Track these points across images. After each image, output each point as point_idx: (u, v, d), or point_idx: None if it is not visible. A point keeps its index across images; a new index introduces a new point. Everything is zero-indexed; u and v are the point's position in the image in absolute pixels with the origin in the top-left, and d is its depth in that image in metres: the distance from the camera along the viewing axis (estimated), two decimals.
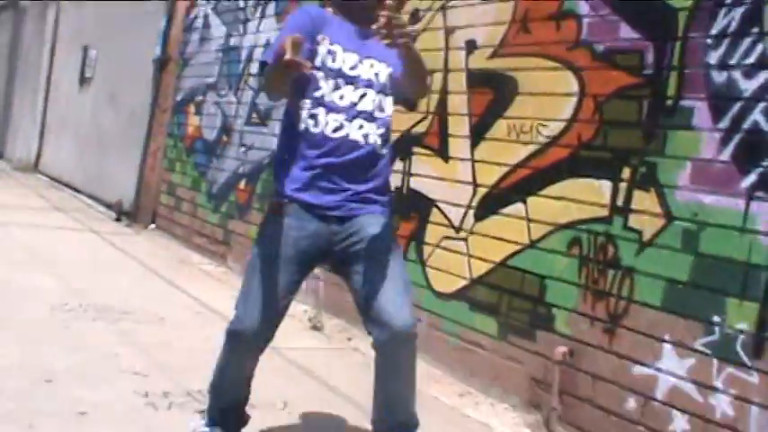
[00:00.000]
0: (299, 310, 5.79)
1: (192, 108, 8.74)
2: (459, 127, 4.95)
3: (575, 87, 4.20)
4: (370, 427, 3.25)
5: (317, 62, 2.96)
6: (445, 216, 4.99)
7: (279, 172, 3.12)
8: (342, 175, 3.01)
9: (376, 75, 3.04)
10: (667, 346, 3.62)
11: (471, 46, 4.93)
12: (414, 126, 5.29)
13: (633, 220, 3.84)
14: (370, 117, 3.03)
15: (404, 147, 5.28)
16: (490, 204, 4.65)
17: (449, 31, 5.12)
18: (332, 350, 5.20)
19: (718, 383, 3.40)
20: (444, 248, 4.97)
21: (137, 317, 5.25)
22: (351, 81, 3.01)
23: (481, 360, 4.61)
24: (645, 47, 3.87)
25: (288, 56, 2.55)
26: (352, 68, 3.02)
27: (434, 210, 5.08)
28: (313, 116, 2.99)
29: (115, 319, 5.16)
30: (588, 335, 3.99)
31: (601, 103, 4.05)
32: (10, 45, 17.27)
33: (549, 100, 4.33)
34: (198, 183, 8.34)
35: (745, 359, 3.31)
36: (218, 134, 8.02)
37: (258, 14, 7.55)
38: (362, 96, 3.02)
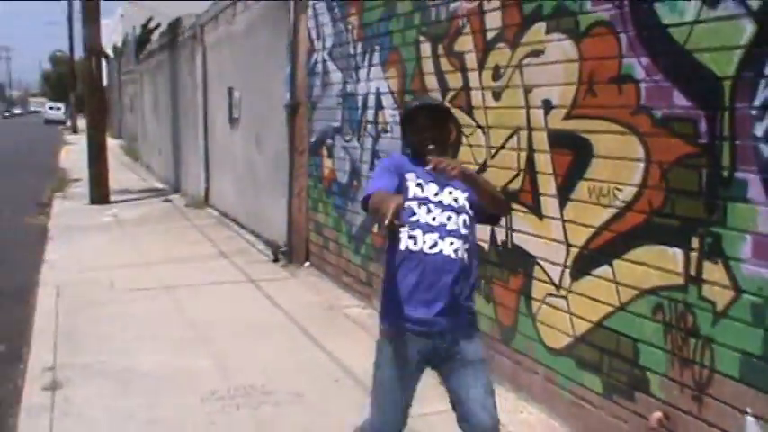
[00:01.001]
0: None
1: (324, 151, 9.12)
2: (547, 186, 5.03)
3: (641, 153, 4.22)
4: None
5: (410, 194, 3.46)
6: (546, 273, 5.10)
7: (384, 299, 3.56)
8: (439, 289, 3.40)
9: (455, 200, 3.51)
10: (750, 419, 3.64)
11: (548, 105, 4.98)
12: (509, 183, 5.40)
13: (706, 290, 3.86)
14: (458, 235, 3.44)
15: None
16: (582, 264, 4.74)
17: (527, 90, 5.19)
18: None
19: None
20: (549, 305, 5.09)
21: (277, 397, 5.63)
22: (437, 206, 3.47)
23: (590, 416, 4.73)
24: (697, 115, 3.85)
25: (389, 219, 2.94)
26: (435, 195, 3.49)
27: (536, 266, 5.20)
28: (412, 237, 3.42)
29: (258, 403, 5.56)
30: (680, 400, 4.04)
31: (665, 171, 4.07)
32: (171, 85, 18.33)
33: (620, 164, 4.37)
34: (339, 223, 8.72)
35: None
36: (349, 178, 8.35)
37: (366, 62, 7.79)
38: (449, 218, 3.46)
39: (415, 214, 3.43)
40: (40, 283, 9.48)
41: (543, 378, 5.16)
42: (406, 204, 3.34)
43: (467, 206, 3.51)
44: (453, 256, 3.39)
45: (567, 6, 4.75)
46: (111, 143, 39.26)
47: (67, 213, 15.34)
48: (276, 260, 10.20)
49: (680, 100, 3.96)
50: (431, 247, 3.40)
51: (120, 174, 23.13)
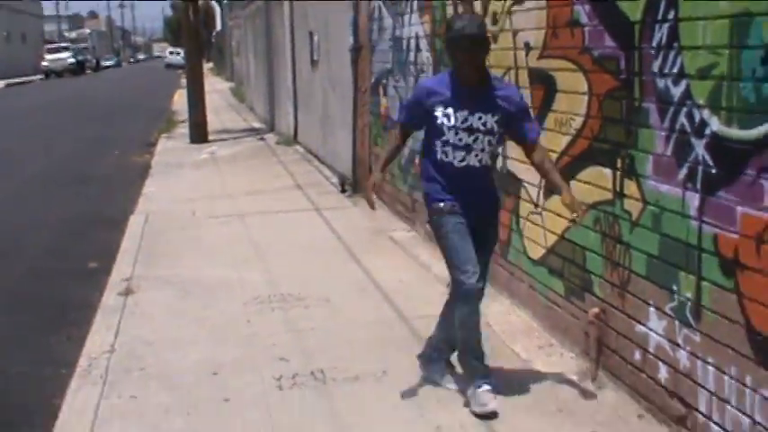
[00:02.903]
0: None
1: (381, 90, 9.97)
2: None
3: (585, 87, 4.95)
4: None
5: (438, 123, 4.45)
6: (528, 194, 5.89)
7: (429, 186, 4.63)
8: (470, 187, 4.56)
9: (483, 123, 4.44)
10: (651, 310, 4.40)
11: (528, 47, 5.72)
12: None
13: (626, 203, 4.59)
14: (482, 149, 4.50)
15: None
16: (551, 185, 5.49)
17: (515, 34, 5.93)
18: None
19: (679, 340, 4.16)
20: (530, 221, 5.88)
21: (308, 302, 6.60)
22: (465, 131, 4.45)
23: (557, 315, 5.53)
24: (619, 55, 4.56)
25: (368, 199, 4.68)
26: (464, 122, 4.43)
27: (522, 188, 5.98)
28: (445, 152, 4.49)
29: (290, 306, 6.55)
30: (611, 297, 4.81)
31: (601, 102, 4.79)
32: (266, 31, 19.39)
33: (574, 97, 5.10)
34: None
35: (692, 322, 4.05)
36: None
37: (409, 8, 8.58)
38: (475, 139, 4.47)
39: (444, 135, 4.44)
40: (135, 211, 10.69)
41: (527, 285, 5.97)
42: (439, 123, 4.46)
43: (495, 128, 4.46)
44: (478, 165, 4.49)
45: None
46: (223, 86, 41.01)
47: (169, 152, 16.66)
48: (343, 191, 11.17)
49: (609, 42, 4.65)
50: (460, 162, 4.47)
51: (225, 114, 24.50)
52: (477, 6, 6.59)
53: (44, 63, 65.00)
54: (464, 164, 4.46)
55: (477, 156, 4.47)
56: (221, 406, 4.80)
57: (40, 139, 20.13)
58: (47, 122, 24.68)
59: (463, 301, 4.46)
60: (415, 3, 8.29)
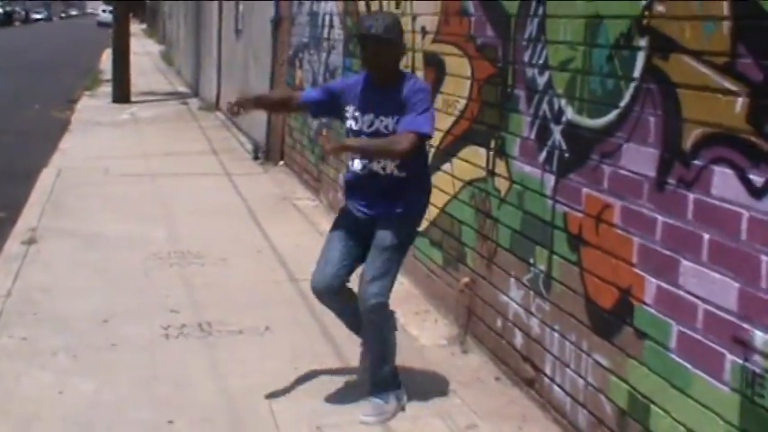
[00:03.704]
0: None
1: (297, 62, 10.24)
2: None
3: (469, 72, 5.31)
4: None
5: (348, 124, 4.28)
6: None
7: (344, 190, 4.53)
8: (369, 193, 4.30)
9: (386, 126, 4.15)
10: (512, 281, 4.79)
11: (424, 31, 6.06)
12: None
13: (497, 182, 4.97)
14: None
15: None
16: (436, 161, 5.84)
17: (414, 18, 6.26)
18: None
19: (533, 309, 4.56)
20: None
21: (205, 260, 6.88)
22: (369, 134, 4.19)
23: (435, 284, 5.91)
24: (498, 44, 4.93)
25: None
26: (369, 126, 4.19)
27: None
28: (352, 158, 4.32)
29: (188, 263, 6.82)
30: (480, 268, 5.20)
31: (481, 87, 5.16)
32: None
33: (459, 81, 5.46)
34: (304, 127, 9.89)
35: (544, 292, 4.45)
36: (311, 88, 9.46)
37: None
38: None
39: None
40: (48, 165, 10.79)
41: (411, 255, 6.32)
42: (348, 126, 4.27)
43: (397, 130, 4.08)
44: (381, 172, 4.21)
45: None
46: (154, 48, 40.60)
47: (91, 110, 16.67)
48: (256, 158, 11.43)
49: (490, 31, 5.02)
50: (362, 169, 4.24)
51: (151, 77, 24.43)
52: None
53: None
54: (366, 169, 4.24)
55: (380, 162, 4.20)
56: (108, 351, 5.08)
57: None
58: None
59: (315, 296, 4.42)
60: None
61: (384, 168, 4.20)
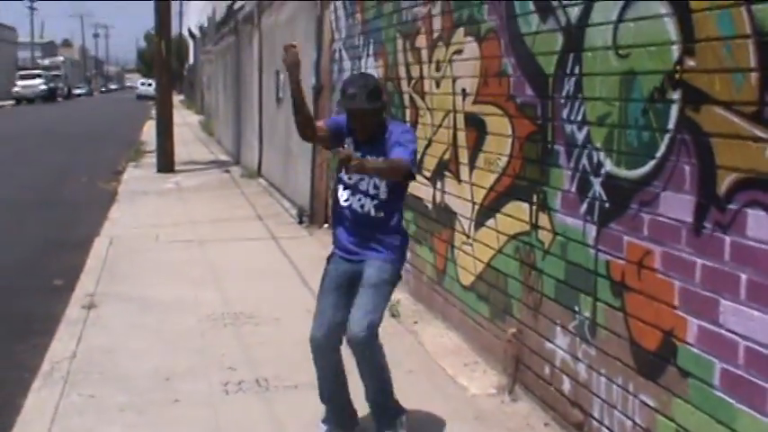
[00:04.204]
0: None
1: None
2: (463, 156, 6.39)
3: (510, 131, 5.56)
4: None
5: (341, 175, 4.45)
6: (462, 225, 6.47)
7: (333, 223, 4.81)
8: (351, 231, 4.56)
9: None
10: (558, 329, 4.98)
11: (464, 92, 6.34)
12: (443, 154, 6.78)
13: (540, 234, 5.18)
14: (365, 194, 4.48)
15: (439, 171, 6.81)
16: (480, 217, 6.09)
17: (454, 80, 6.55)
18: (393, 334, 6.82)
19: (579, 355, 4.74)
20: (463, 251, 6.45)
21: (258, 320, 7.12)
22: (353, 185, 4.48)
23: (482, 336, 6.09)
24: (537, 102, 5.18)
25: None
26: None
27: (456, 221, 6.57)
28: (337, 188, 4.59)
29: (241, 323, 7.07)
30: (526, 318, 5.39)
31: (522, 144, 5.40)
32: (235, 67, 20.00)
33: (500, 139, 5.71)
34: None
35: (589, 338, 4.63)
36: None
37: (365, 53, 9.21)
38: (361, 179, 4.45)
39: (341, 175, 4.49)
40: (100, 234, 11.16)
41: (459, 310, 6.54)
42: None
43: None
44: (360, 210, 4.46)
45: (474, 15, 6.09)
46: (193, 119, 41.48)
47: (136, 180, 17.13)
48: (301, 222, 11.73)
49: (529, 91, 5.27)
50: (344, 201, 4.52)
51: (192, 147, 25.01)
52: (424, 54, 7.21)
53: (16, 89, 65.21)
54: (348, 204, 4.49)
55: (360, 200, 4.46)
56: (171, 406, 5.31)
57: (10, 165, 20.50)
58: (17, 148, 25.02)
59: (311, 351, 4.57)
60: (371, 47, 8.90)
61: (362, 206, 4.46)
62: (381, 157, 4.34)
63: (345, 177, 4.48)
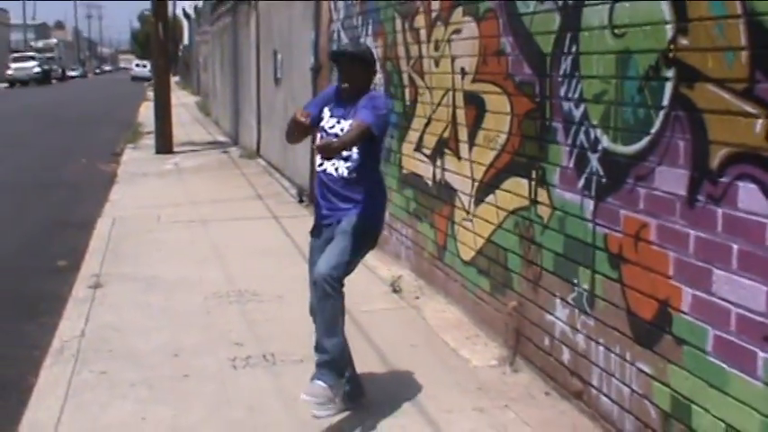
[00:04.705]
0: (387, 274, 7.67)
1: None
2: (463, 134, 6.51)
3: (508, 108, 5.68)
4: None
5: (321, 123, 4.75)
6: (461, 202, 6.60)
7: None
8: (328, 193, 4.75)
9: (342, 129, 4.64)
10: (557, 301, 5.12)
11: (463, 71, 6.45)
12: (442, 132, 6.90)
13: (539, 209, 5.32)
14: (339, 156, 4.61)
15: (439, 149, 6.93)
16: (480, 194, 6.22)
17: (453, 59, 6.66)
18: (396, 309, 6.98)
19: (578, 326, 4.88)
20: (463, 227, 6.59)
21: (262, 297, 7.26)
22: (328, 135, 4.69)
23: (483, 310, 6.24)
24: (535, 80, 5.30)
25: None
26: (330, 127, 4.71)
27: (456, 197, 6.70)
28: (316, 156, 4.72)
29: (246, 300, 7.21)
30: (526, 291, 5.53)
31: (521, 121, 5.52)
32: (233, 48, 20.06)
33: (499, 117, 5.83)
34: None
35: (588, 309, 4.77)
36: None
37: (364, 33, 9.30)
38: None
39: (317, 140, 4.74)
40: (102, 215, 11.29)
41: (460, 285, 6.68)
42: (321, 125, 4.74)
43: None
44: (334, 173, 4.66)
45: None
46: (189, 100, 41.48)
47: (135, 162, 17.23)
48: (301, 201, 11.86)
49: (527, 69, 5.39)
50: (319, 166, 4.74)
51: (190, 128, 25.09)
52: (423, 34, 7.31)
53: (9, 72, 65.06)
54: (323, 168, 4.69)
55: (333, 164, 4.63)
56: (181, 381, 5.45)
57: (7, 147, 20.55)
58: (13, 131, 25.07)
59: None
60: (370, 27, 9.00)
61: (337, 169, 4.65)
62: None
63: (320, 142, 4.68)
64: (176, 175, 15.40)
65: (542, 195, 5.23)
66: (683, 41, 3.78)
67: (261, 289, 7.47)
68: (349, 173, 4.69)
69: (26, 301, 7.74)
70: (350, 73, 4.69)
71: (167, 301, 7.19)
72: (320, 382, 4.47)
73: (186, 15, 51.15)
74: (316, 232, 4.88)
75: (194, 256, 8.82)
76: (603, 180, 4.50)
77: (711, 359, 3.64)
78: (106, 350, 5.99)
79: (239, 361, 5.75)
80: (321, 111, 4.81)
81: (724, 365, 3.56)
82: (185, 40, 59.33)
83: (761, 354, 3.34)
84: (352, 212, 4.67)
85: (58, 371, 5.64)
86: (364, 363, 5.50)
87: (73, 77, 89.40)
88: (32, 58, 69.69)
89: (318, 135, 4.81)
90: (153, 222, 10.76)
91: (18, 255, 9.62)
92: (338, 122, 4.70)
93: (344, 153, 4.65)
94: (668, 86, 3.90)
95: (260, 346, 6.01)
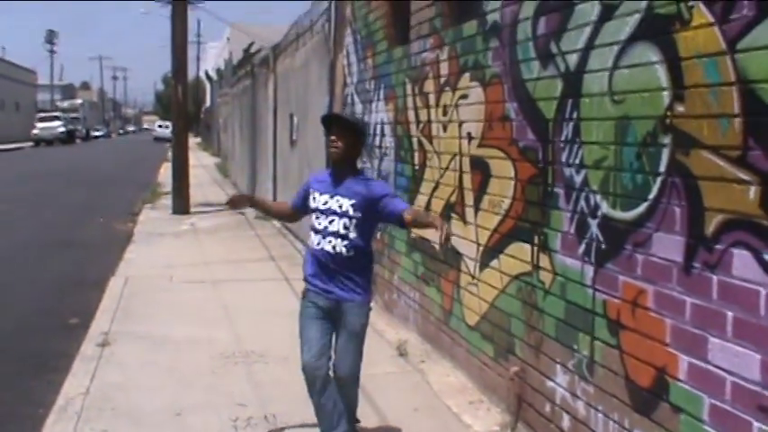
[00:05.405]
0: (394, 338, 7.65)
1: None
2: (469, 199, 6.55)
3: (512, 173, 5.72)
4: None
5: (311, 205, 4.97)
6: (467, 267, 6.61)
7: (304, 267, 5.10)
8: (325, 271, 4.90)
9: (340, 206, 4.84)
10: (558, 367, 5.09)
11: (470, 136, 6.51)
12: (450, 195, 6.94)
13: (541, 274, 5.32)
14: (335, 234, 4.85)
15: (446, 213, 6.96)
16: (484, 258, 6.23)
17: (460, 124, 6.73)
18: (401, 373, 6.95)
19: (578, 392, 4.85)
20: (468, 291, 6.59)
21: (268, 358, 7.25)
22: (323, 213, 4.91)
23: (487, 375, 6.20)
24: (538, 146, 5.34)
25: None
26: (323, 204, 4.90)
27: (462, 262, 6.71)
28: (311, 237, 4.97)
29: (252, 361, 7.21)
30: (529, 357, 5.51)
31: (524, 187, 5.55)
32: (251, 110, 20.31)
33: (504, 182, 5.87)
34: None
35: (587, 376, 4.74)
36: None
37: (376, 97, 9.42)
38: (331, 222, 4.87)
39: (313, 220, 4.98)
40: (115, 274, 11.35)
41: (465, 349, 6.66)
42: (311, 207, 5.02)
43: (350, 211, 4.82)
44: (332, 250, 4.83)
45: (479, 61, 6.28)
46: (209, 161, 41.86)
47: (152, 222, 17.36)
48: None
49: (530, 135, 5.44)
50: (316, 245, 4.91)
51: (208, 188, 25.28)
52: (431, 98, 7.40)
53: (35, 131, 66.00)
54: (320, 247, 4.86)
55: (330, 242, 4.82)
56: None
57: (28, 206, 20.78)
58: (35, 189, 25.37)
59: (306, 380, 4.93)
60: (382, 92, 9.11)
61: (334, 248, 4.83)
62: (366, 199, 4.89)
63: (316, 223, 4.93)
64: (191, 235, 15.50)
65: (544, 261, 5.23)
66: (680, 108, 3.82)
67: (267, 350, 7.46)
68: (347, 251, 4.86)
69: (35, 358, 7.77)
70: (342, 139, 4.88)
71: (174, 361, 7.19)
72: None
73: (209, 78, 51.92)
74: (310, 296, 5.00)
75: (204, 316, 8.84)
76: (603, 246, 4.51)
77: (707, 428, 3.61)
78: (109, 408, 5.99)
79: (240, 421, 5.74)
80: (305, 199, 5.09)
81: None
82: (207, 102, 60.08)
83: (755, 424, 3.31)
84: (359, 302, 4.93)
85: (61, 429, 5.65)
86: (366, 426, 5.47)
87: (97, 137, 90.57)
88: (57, 117, 70.68)
89: (313, 216, 4.99)
90: (165, 282, 10.80)
91: (31, 313, 9.68)
92: (331, 197, 4.90)
93: (341, 230, 4.85)
94: (665, 153, 3.93)
95: (262, 406, 6.00)
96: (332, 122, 4.99)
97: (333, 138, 4.88)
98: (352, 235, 4.85)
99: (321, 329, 4.91)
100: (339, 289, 4.87)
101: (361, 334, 4.95)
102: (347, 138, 4.88)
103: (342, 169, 4.96)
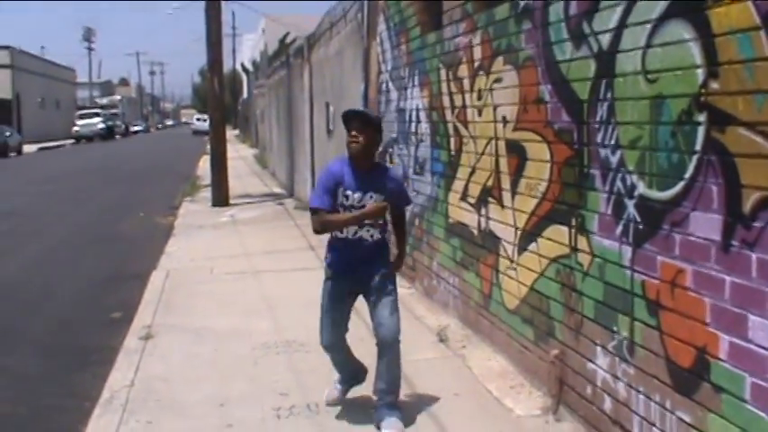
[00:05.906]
0: (434, 324, 7.66)
1: (387, 157, 10.76)
2: (505, 183, 6.53)
3: (548, 156, 5.69)
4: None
5: (340, 200, 5.25)
6: (505, 251, 6.60)
7: (327, 254, 5.50)
8: (359, 256, 5.40)
9: (373, 200, 5.31)
10: (598, 349, 5.07)
11: (505, 120, 6.49)
12: (486, 181, 6.92)
13: (579, 257, 5.29)
14: (372, 225, 5.39)
15: (483, 198, 6.95)
16: (522, 242, 6.21)
17: (495, 108, 6.70)
18: (441, 359, 6.95)
19: (619, 374, 4.83)
20: (507, 275, 6.57)
21: (309, 347, 7.25)
22: (358, 207, 5.27)
23: (527, 359, 6.19)
24: (573, 128, 5.31)
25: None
26: (359, 201, 5.32)
27: (500, 246, 6.69)
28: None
29: (293, 351, 7.25)
30: (568, 340, 5.49)
31: (560, 169, 5.52)
32: (287, 100, 20.36)
33: (540, 164, 5.84)
34: None
35: (628, 357, 4.72)
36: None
37: (411, 83, 9.41)
38: None
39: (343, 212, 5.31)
40: (157, 268, 11.48)
41: (505, 333, 6.65)
42: (340, 202, 5.30)
43: (399, 204, 5.63)
44: (369, 239, 5.38)
45: (512, 44, 6.25)
46: (248, 152, 42.09)
47: (192, 214, 17.50)
48: None
49: (565, 116, 5.41)
50: (353, 235, 5.35)
51: (247, 180, 25.44)
52: (466, 83, 7.37)
53: (75, 128, 66.84)
54: (357, 236, 5.34)
55: (368, 231, 5.36)
56: (225, 430, 5.48)
57: (70, 201, 21.08)
58: (77, 185, 25.71)
59: (326, 350, 5.69)
60: (416, 78, 9.10)
61: (372, 236, 5.37)
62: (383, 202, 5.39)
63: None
64: (231, 227, 15.60)
65: (582, 242, 5.20)
66: (714, 85, 3.77)
67: (308, 339, 7.48)
68: (380, 235, 5.48)
69: (80, 352, 7.89)
70: (363, 135, 5.22)
71: (216, 352, 7.26)
72: (398, 420, 5.28)
73: (245, 69, 52.13)
74: (336, 279, 5.48)
75: (245, 306, 8.91)
76: (640, 226, 4.48)
77: (750, 407, 3.57)
78: (154, 400, 6.06)
79: (283, 411, 5.78)
80: (335, 196, 5.30)
81: (763, 414, 3.49)
82: (244, 94, 60.36)
83: None
84: (385, 272, 5.48)
85: (106, 421, 5.72)
86: (408, 412, 5.50)
87: (136, 132, 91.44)
88: (97, 114, 71.52)
89: (345, 211, 5.33)
90: (206, 274, 10.90)
91: (75, 307, 9.83)
92: (365, 195, 5.31)
93: (379, 222, 5.43)
94: (700, 131, 3.88)
95: (304, 395, 6.03)
96: (352, 118, 5.24)
97: (353, 133, 5.20)
98: (383, 222, 5.47)
99: (345, 312, 5.53)
100: (370, 266, 5.37)
101: (395, 298, 5.40)
102: (367, 133, 5.21)
103: (362, 163, 5.31)
